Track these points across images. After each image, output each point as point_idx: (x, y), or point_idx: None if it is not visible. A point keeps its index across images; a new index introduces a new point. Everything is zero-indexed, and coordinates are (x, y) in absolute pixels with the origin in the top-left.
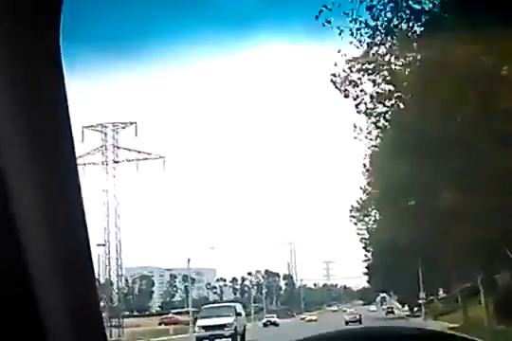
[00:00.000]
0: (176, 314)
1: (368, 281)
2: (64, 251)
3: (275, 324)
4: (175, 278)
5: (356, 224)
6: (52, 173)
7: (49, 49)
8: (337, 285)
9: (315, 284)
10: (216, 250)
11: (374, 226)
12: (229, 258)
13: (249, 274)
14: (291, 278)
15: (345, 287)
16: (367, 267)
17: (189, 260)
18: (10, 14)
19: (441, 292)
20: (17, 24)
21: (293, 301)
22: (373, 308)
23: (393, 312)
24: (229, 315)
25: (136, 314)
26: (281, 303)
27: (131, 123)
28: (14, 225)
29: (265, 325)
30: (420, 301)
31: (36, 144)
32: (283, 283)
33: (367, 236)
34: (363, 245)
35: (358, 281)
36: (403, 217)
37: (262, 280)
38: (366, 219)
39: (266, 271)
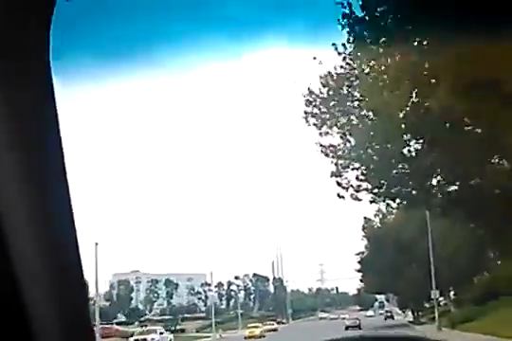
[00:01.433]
0: (118, 323)
1: (361, 280)
2: (53, 252)
3: None
4: (157, 282)
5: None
6: (40, 175)
7: (38, 50)
8: (333, 289)
9: (310, 289)
10: (206, 255)
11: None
12: (220, 262)
13: (236, 278)
14: (281, 281)
15: (337, 290)
16: (360, 262)
17: (97, 244)
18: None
19: (452, 293)
20: (6, 24)
21: (281, 307)
22: (369, 313)
23: (392, 316)
24: None
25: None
26: (266, 309)
27: None
28: (1, 225)
29: None
30: (428, 304)
31: (24, 145)
32: (272, 287)
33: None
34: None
35: (352, 284)
36: None
37: (250, 285)
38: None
39: (255, 274)
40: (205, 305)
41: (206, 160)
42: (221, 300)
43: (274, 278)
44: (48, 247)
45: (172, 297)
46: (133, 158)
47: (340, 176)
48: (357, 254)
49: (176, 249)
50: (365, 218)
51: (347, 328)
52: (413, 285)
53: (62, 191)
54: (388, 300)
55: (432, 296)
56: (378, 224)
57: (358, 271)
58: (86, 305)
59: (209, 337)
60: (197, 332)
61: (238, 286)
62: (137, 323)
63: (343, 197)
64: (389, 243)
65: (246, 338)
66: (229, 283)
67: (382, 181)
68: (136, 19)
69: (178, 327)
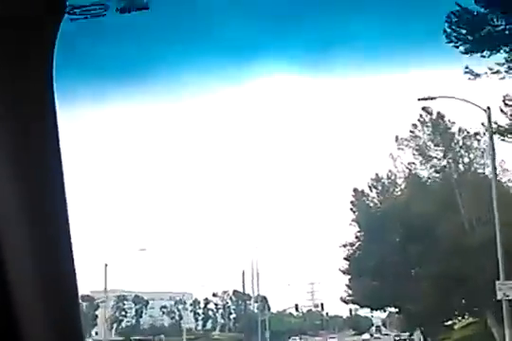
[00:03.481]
0: None
1: (348, 285)
2: (46, 258)
3: None
4: (125, 299)
5: None
6: (37, 180)
7: (40, 71)
8: (327, 313)
9: (299, 309)
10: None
11: None
12: (201, 279)
13: (214, 295)
14: (266, 300)
15: (322, 307)
16: (347, 258)
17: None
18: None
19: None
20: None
21: (254, 328)
22: (365, 336)
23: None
24: None
25: None
26: (239, 330)
27: None
28: None
29: None
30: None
31: (23, 146)
32: (252, 306)
33: None
34: None
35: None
36: None
37: (230, 303)
38: None
39: (235, 292)
40: (179, 326)
41: (187, 174)
42: (197, 321)
43: (257, 297)
44: (44, 258)
45: (141, 316)
46: (118, 177)
47: None
48: (344, 246)
49: (159, 267)
50: (355, 190)
51: None
52: (429, 295)
53: (59, 200)
54: (384, 325)
55: (499, 297)
56: (376, 201)
57: (344, 272)
58: (78, 314)
59: None
60: None
61: (216, 305)
62: None
63: None
64: (392, 229)
65: None
66: (207, 301)
67: None
68: (134, 43)
69: None
